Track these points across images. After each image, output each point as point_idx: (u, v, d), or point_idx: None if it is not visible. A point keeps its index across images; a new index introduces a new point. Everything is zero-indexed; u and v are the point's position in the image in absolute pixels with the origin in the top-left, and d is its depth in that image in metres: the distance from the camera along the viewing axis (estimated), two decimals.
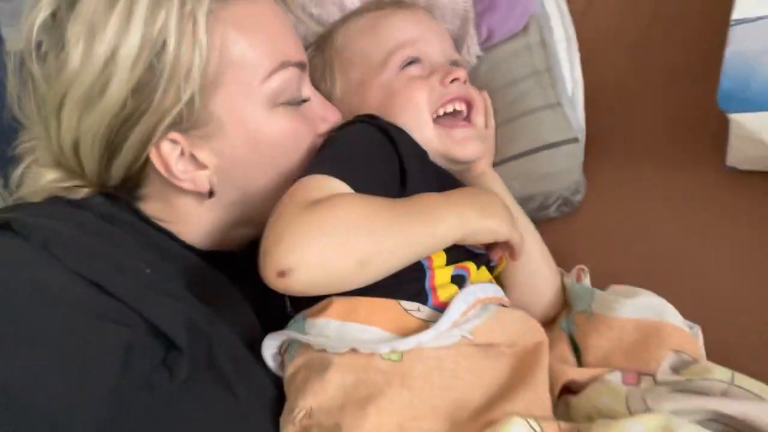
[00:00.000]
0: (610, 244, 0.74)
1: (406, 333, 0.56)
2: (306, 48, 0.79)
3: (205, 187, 0.65)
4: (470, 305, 0.58)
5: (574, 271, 0.71)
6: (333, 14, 0.84)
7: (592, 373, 0.60)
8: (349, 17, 0.81)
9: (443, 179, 0.70)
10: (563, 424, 0.53)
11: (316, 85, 0.75)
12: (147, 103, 0.60)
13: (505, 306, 0.63)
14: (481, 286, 0.61)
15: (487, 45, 0.85)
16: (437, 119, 0.72)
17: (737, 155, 0.64)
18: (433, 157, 0.70)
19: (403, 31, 0.76)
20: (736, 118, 0.59)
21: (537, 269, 0.72)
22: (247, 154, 0.65)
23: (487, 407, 0.54)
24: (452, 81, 0.72)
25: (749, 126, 0.58)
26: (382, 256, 0.56)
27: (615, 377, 0.59)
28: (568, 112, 0.79)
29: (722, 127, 0.64)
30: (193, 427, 0.56)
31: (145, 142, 0.62)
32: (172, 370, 0.55)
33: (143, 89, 0.59)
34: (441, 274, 0.60)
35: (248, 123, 0.64)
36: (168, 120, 0.61)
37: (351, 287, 0.57)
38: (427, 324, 0.57)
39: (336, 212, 0.54)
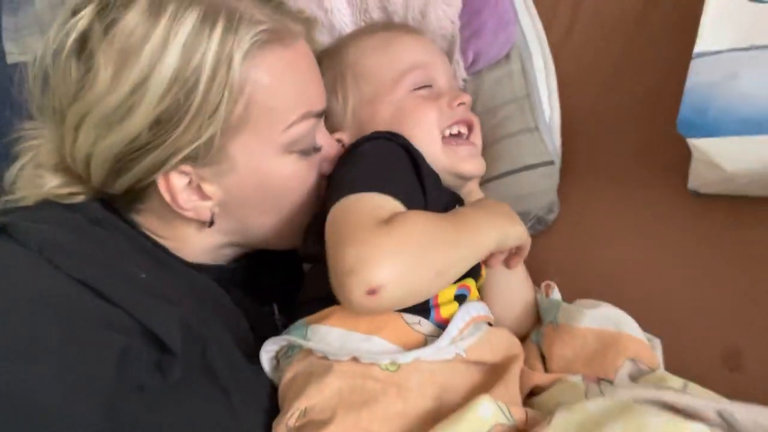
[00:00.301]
0: (580, 260, 0.78)
1: (406, 345, 0.60)
2: None
3: (206, 217, 0.66)
4: (467, 323, 0.62)
5: (543, 286, 0.75)
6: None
7: (556, 377, 0.64)
8: (359, 34, 0.85)
9: (449, 198, 0.75)
10: (530, 411, 0.56)
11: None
12: (166, 135, 0.59)
13: (491, 325, 0.67)
14: (475, 305, 0.65)
15: (472, 70, 0.90)
16: (443, 138, 0.76)
17: (697, 179, 0.68)
18: (440, 173, 0.74)
19: (415, 53, 0.80)
20: (694, 143, 0.63)
21: (513, 283, 0.76)
22: (252, 192, 0.67)
23: None
24: (459, 104, 0.77)
25: (707, 151, 0.62)
26: (453, 266, 0.60)
27: (576, 378, 0.63)
28: (545, 137, 0.84)
29: (685, 153, 0.69)
30: (186, 429, 0.56)
31: (157, 169, 0.62)
32: (164, 373, 0.55)
33: (166, 122, 0.59)
34: (445, 292, 0.65)
35: (261, 166, 0.65)
36: (183, 154, 0.60)
37: (428, 297, 0.61)
38: (425, 338, 0.60)
39: (410, 229, 0.57)
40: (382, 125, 0.75)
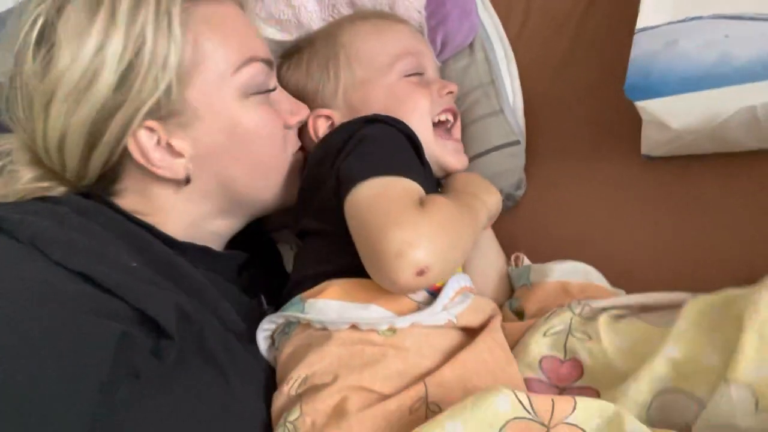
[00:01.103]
0: (547, 231, 0.84)
1: (401, 312, 0.63)
2: (305, 39, 0.88)
3: (181, 174, 0.69)
4: (456, 292, 0.66)
5: (513, 258, 0.81)
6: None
7: (534, 320, 0.69)
8: (353, 18, 0.89)
9: (436, 184, 0.80)
10: (558, 399, 0.50)
11: (315, 76, 0.83)
12: (128, 94, 0.64)
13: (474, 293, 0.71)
14: (463, 276, 0.70)
15: (440, 59, 0.95)
16: (433, 126, 0.81)
17: (648, 142, 0.74)
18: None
19: (408, 41, 0.84)
20: (642, 105, 0.68)
21: (487, 254, 0.81)
22: (221, 141, 0.70)
23: None
24: (448, 93, 0.82)
25: (654, 111, 0.68)
26: (470, 245, 0.67)
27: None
28: (509, 118, 0.89)
29: (636, 124, 0.75)
30: (185, 411, 0.57)
31: (124, 131, 0.65)
32: (160, 358, 0.56)
33: (125, 81, 0.64)
34: None
35: (222, 111, 0.69)
36: (146, 108, 0.64)
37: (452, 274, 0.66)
38: (418, 305, 0.64)
39: (443, 212, 0.62)
40: (374, 108, 0.77)
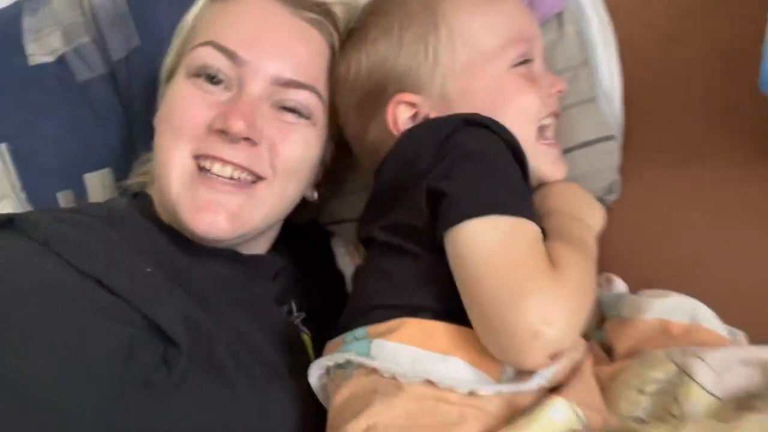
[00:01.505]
0: (644, 248, 0.71)
1: (484, 365, 0.53)
2: None
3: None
4: None
5: (602, 279, 0.68)
6: None
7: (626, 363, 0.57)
8: None
9: None
10: (613, 419, 0.51)
11: (410, 50, 0.66)
12: None
13: None
14: None
15: None
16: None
17: None
18: None
19: (522, 20, 0.69)
20: None
21: None
22: (159, 116, 0.76)
23: None
24: (557, 92, 0.69)
25: None
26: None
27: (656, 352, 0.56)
28: (604, 108, 0.75)
29: (765, 118, 0.59)
30: (192, 423, 0.56)
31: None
32: (170, 367, 0.55)
33: None
34: None
35: (171, 86, 0.75)
36: (163, 73, 0.78)
37: None
38: None
39: (577, 273, 0.52)
40: (473, 103, 0.64)
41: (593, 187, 0.74)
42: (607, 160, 0.74)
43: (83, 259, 0.58)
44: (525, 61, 0.67)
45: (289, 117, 0.70)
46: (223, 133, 0.66)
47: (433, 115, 0.66)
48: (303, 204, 0.79)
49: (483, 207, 0.53)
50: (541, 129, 0.68)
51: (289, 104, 0.70)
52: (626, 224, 0.72)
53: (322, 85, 0.72)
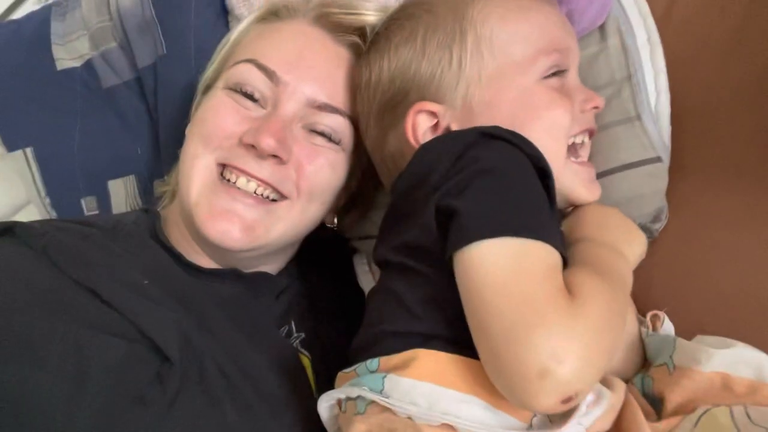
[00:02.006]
0: (695, 282, 0.64)
1: (510, 407, 0.48)
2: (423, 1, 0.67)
3: None
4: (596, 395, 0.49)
5: (649, 317, 0.61)
6: None
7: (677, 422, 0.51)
8: None
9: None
10: None
11: (435, 57, 0.63)
12: None
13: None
14: None
15: None
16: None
17: None
18: None
19: (557, 30, 0.64)
20: None
21: None
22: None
23: None
24: (592, 108, 0.63)
25: None
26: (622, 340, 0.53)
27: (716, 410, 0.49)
28: (649, 127, 0.69)
29: None
30: None
31: None
32: (164, 384, 0.55)
33: None
34: None
35: (207, 97, 0.75)
36: (202, 84, 0.80)
37: None
38: None
39: (598, 307, 0.46)
40: (499, 115, 0.60)
41: (637, 213, 0.68)
42: (654, 184, 0.69)
43: (80, 269, 0.58)
44: (557, 73, 0.62)
45: (319, 140, 0.70)
46: (252, 148, 0.66)
47: (454, 126, 0.62)
48: (321, 227, 0.79)
49: (494, 227, 0.48)
50: (573, 147, 0.63)
51: (320, 128, 0.70)
52: (674, 256, 0.66)
53: (354, 110, 0.72)
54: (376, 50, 0.68)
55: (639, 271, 0.64)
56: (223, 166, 0.68)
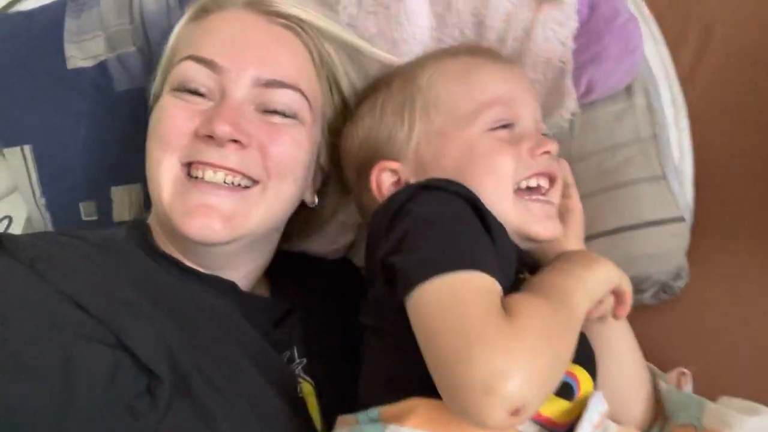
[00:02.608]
0: (716, 341, 0.67)
1: None
2: (383, 79, 0.74)
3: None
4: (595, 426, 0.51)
5: (674, 374, 0.63)
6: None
7: None
8: (439, 55, 0.73)
9: (518, 254, 0.63)
10: None
11: (389, 122, 0.69)
12: None
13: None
14: (598, 399, 0.54)
15: (584, 101, 0.77)
16: (516, 191, 0.64)
17: None
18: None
19: (499, 85, 0.68)
20: None
21: (626, 373, 0.64)
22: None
23: None
24: (543, 153, 0.65)
25: None
26: (570, 351, 0.52)
27: None
28: (674, 187, 0.72)
29: None
30: None
31: None
32: (154, 397, 0.54)
33: None
34: None
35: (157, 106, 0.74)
36: (151, 96, 0.78)
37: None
38: None
39: (536, 321, 0.49)
40: (446, 166, 0.65)
41: (659, 269, 0.70)
42: (676, 242, 0.71)
43: (67, 282, 0.57)
44: (505, 126, 0.66)
45: (276, 118, 0.69)
46: (210, 138, 0.66)
47: (412, 180, 0.67)
48: (311, 214, 0.80)
49: (427, 270, 0.51)
50: (529, 191, 0.66)
51: (273, 106, 0.69)
52: (696, 313, 0.68)
53: (304, 84, 0.71)
54: (349, 122, 0.75)
55: (658, 325, 0.66)
56: (188, 166, 0.67)
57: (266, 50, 0.70)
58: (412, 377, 0.53)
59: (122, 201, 0.94)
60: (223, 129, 0.64)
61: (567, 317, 0.53)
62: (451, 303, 0.49)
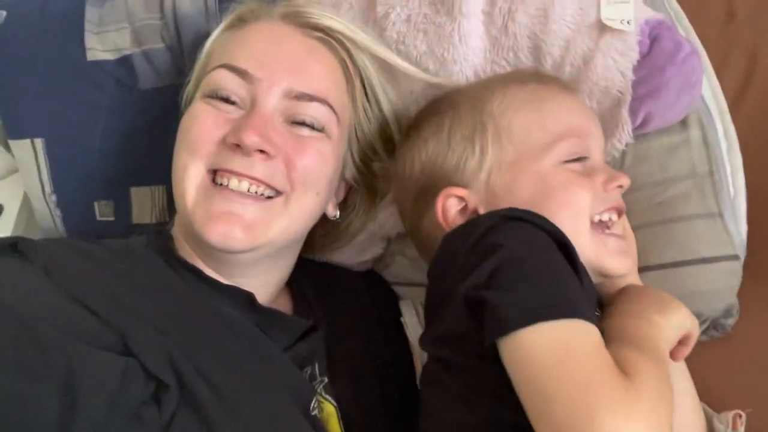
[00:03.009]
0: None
1: None
2: (448, 100, 0.72)
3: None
4: None
5: (730, 417, 0.64)
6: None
7: None
8: (508, 81, 0.71)
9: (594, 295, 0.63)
10: None
11: (458, 148, 0.68)
12: None
13: None
14: None
15: (638, 133, 0.76)
16: (591, 225, 0.64)
17: None
18: None
19: (573, 116, 0.68)
20: None
21: (685, 425, 0.64)
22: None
23: None
24: (617, 187, 0.65)
25: None
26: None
27: None
28: (729, 225, 0.72)
29: None
30: None
31: None
32: (160, 405, 0.54)
33: None
34: None
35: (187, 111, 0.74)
36: (183, 101, 0.80)
37: None
38: None
39: (653, 387, 0.48)
40: (520, 197, 0.64)
41: (710, 307, 0.71)
42: (728, 280, 0.72)
43: (78, 287, 0.58)
44: (578, 159, 0.66)
45: (303, 131, 0.70)
46: (238, 147, 0.66)
47: (481, 209, 0.66)
48: (333, 228, 0.81)
49: (527, 315, 0.50)
50: (601, 224, 0.66)
51: (301, 118, 0.69)
52: (748, 351, 0.70)
53: (333, 98, 0.72)
54: (408, 143, 0.73)
55: (711, 368, 0.67)
56: (213, 173, 0.67)
57: (299, 63, 0.71)
58: (476, 425, 0.53)
59: (143, 202, 0.90)
60: (252, 139, 0.65)
61: (665, 370, 0.52)
62: (565, 355, 0.48)
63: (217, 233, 0.65)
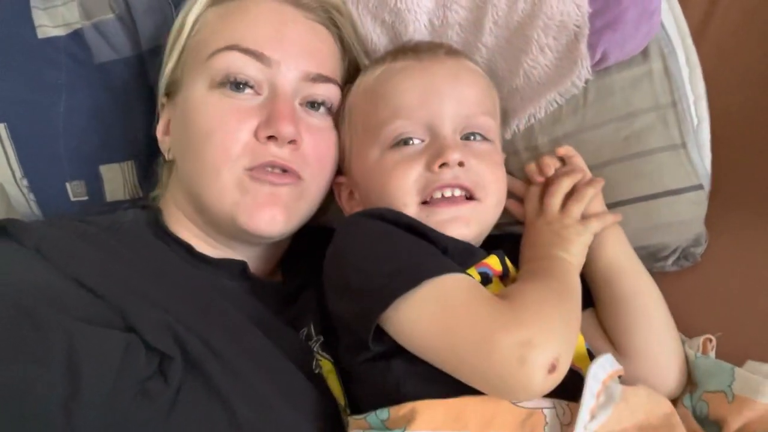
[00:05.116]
0: (737, 306, 0.69)
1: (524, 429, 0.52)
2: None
3: (165, 149, 0.75)
4: (596, 395, 0.53)
5: (701, 342, 0.66)
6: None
7: None
8: (369, 65, 0.75)
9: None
10: None
11: (342, 132, 0.74)
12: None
13: (620, 376, 0.58)
14: (601, 362, 0.55)
15: (599, 67, 0.75)
16: (431, 201, 0.64)
17: None
18: None
19: (407, 97, 0.66)
20: None
21: (660, 338, 0.66)
22: (181, 130, 0.71)
23: None
24: (441, 165, 0.63)
25: None
26: (579, 314, 0.58)
27: None
28: (693, 156, 0.72)
29: None
30: None
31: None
32: (166, 377, 0.54)
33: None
34: None
35: (189, 97, 0.70)
36: (164, 85, 0.75)
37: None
38: (541, 412, 0.53)
39: (533, 297, 0.55)
40: (363, 185, 0.69)
41: (679, 237, 0.72)
42: (695, 210, 0.72)
43: (73, 265, 0.58)
44: (402, 142, 0.65)
45: (316, 116, 0.72)
46: (273, 138, 0.66)
47: (356, 194, 0.72)
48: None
49: (386, 297, 0.53)
50: (443, 198, 0.65)
51: (318, 98, 0.71)
52: (717, 278, 0.70)
53: (339, 77, 0.74)
54: None
55: (681, 292, 0.69)
56: (251, 169, 0.67)
57: (309, 44, 0.71)
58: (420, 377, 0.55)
59: (114, 180, 0.90)
60: (288, 130, 0.66)
61: (558, 287, 0.58)
62: (445, 309, 0.53)
63: (263, 221, 0.66)
